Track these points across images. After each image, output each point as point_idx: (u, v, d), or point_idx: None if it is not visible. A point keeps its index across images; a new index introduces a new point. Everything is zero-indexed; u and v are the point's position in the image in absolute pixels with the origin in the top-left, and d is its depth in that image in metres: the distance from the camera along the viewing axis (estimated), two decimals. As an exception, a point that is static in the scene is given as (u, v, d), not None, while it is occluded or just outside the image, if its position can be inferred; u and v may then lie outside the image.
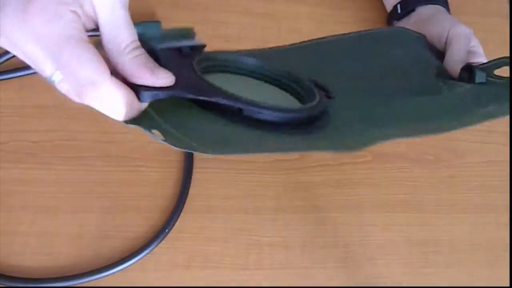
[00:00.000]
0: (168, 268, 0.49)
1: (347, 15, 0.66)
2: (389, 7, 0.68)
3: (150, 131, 0.34)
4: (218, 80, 0.39)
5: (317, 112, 0.41)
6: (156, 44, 0.38)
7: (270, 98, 0.41)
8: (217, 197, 0.52)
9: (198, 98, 0.37)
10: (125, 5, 0.34)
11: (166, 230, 0.49)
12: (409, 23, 0.64)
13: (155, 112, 0.36)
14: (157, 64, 0.35)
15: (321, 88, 0.44)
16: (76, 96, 0.34)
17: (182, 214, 0.50)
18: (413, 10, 0.64)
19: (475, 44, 0.60)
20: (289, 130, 0.39)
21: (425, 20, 0.62)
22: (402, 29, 0.62)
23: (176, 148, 0.35)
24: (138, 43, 0.35)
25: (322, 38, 0.53)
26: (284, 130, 0.39)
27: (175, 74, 0.36)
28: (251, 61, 0.44)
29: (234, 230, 0.51)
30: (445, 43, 0.59)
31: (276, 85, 0.44)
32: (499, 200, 0.58)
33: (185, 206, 0.51)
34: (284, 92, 0.44)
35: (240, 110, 0.37)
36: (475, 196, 0.58)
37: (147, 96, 0.35)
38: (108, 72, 0.33)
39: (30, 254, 0.47)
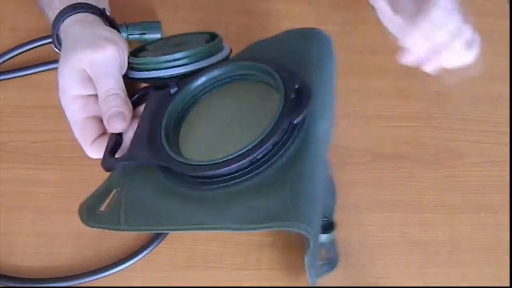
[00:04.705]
0: (168, 268, 0.49)
1: (347, 15, 0.66)
2: None
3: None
4: (213, 101, 0.47)
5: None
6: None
7: (253, 113, 0.45)
8: (217, 197, 0.52)
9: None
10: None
11: (166, 230, 0.49)
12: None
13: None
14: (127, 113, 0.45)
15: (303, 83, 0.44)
16: None
17: (182, 214, 0.50)
18: None
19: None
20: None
21: None
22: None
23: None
24: (116, 90, 0.44)
25: None
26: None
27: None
28: (225, 69, 0.48)
29: (234, 230, 0.51)
30: None
31: (259, 81, 0.47)
32: (499, 200, 0.58)
33: (185, 206, 0.51)
34: (266, 87, 0.46)
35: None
36: (475, 196, 0.58)
37: (121, 165, 0.44)
38: (85, 145, 0.46)
39: (30, 254, 0.47)
